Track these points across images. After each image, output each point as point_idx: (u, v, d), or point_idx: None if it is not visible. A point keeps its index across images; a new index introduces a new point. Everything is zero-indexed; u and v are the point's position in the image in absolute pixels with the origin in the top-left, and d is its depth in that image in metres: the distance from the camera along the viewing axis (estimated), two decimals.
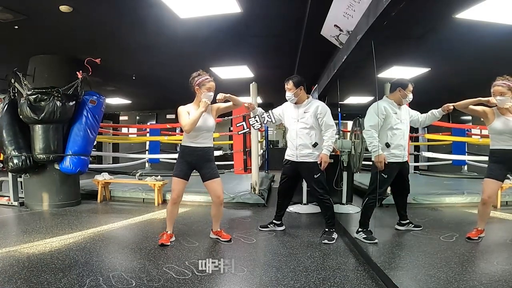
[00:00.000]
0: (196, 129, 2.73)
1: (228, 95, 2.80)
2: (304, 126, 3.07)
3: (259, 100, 7.11)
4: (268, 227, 3.34)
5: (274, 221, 3.36)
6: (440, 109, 3.07)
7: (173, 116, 9.50)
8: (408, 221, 3.28)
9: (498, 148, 2.81)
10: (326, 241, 2.92)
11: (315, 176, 3.03)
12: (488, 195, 2.83)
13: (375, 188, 2.98)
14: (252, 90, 4.79)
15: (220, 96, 2.77)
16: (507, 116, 2.72)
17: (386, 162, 2.94)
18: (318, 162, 3.01)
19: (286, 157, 3.22)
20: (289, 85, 3.07)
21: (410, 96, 3.05)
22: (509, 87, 2.64)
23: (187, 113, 2.74)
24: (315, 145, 3.04)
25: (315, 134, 3.06)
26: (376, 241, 2.85)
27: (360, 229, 2.96)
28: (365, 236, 2.88)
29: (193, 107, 2.79)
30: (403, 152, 3.05)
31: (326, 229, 3.06)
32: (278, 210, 3.37)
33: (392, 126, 3.00)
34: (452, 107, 2.94)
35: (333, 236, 2.98)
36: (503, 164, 2.79)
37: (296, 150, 3.09)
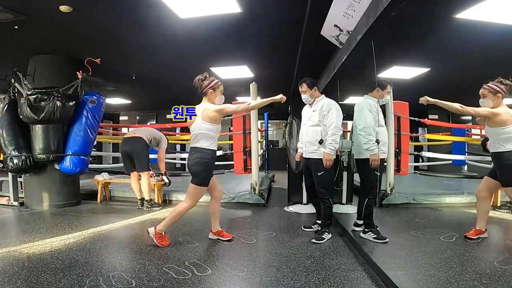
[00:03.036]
0: (216, 132, 2.78)
1: (328, 162, 2.94)
2: (312, 123, 3.15)
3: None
4: (312, 228, 3.33)
5: (317, 221, 3.34)
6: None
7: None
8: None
9: (490, 151, 2.85)
10: (314, 240, 2.96)
11: (319, 174, 3.05)
12: (479, 189, 2.91)
13: (373, 187, 2.99)
14: (252, 90, 4.79)
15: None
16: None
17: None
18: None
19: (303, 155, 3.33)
20: (303, 87, 3.17)
21: (387, 98, 3.11)
22: (490, 89, 2.64)
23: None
24: (321, 142, 3.06)
25: (321, 131, 3.08)
26: (387, 240, 2.86)
27: (367, 230, 2.96)
28: (375, 236, 2.90)
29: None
30: (387, 149, 3.09)
31: (319, 229, 3.10)
32: (316, 209, 3.39)
33: (380, 124, 3.03)
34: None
35: (323, 237, 2.99)
36: (494, 165, 2.85)
37: (305, 147, 3.20)
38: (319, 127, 3.09)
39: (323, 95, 3.23)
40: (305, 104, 3.31)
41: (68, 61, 4.48)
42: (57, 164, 4.27)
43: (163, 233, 2.81)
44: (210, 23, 3.36)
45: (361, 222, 3.11)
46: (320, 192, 3.08)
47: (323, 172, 3.03)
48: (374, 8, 2.15)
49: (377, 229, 2.97)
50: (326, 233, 3.04)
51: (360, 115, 3.03)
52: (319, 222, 3.29)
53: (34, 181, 4.36)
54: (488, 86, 2.67)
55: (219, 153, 6.31)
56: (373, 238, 2.90)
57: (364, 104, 3.03)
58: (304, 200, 4.43)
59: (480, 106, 2.72)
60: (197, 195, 2.75)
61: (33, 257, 2.50)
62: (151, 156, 8.65)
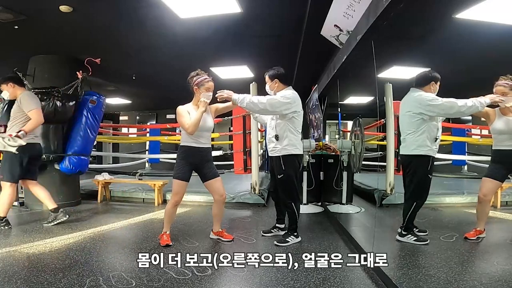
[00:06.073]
0: (197, 129, 2.71)
1: (226, 95, 2.76)
2: (270, 118, 2.98)
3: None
4: (272, 232, 3.16)
5: (277, 225, 3.20)
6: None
7: (173, 116, 9.49)
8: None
9: (498, 148, 2.80)
10: (275, 242, 2.86)
11: (279, 177, 2.87)
12: (484, 193, 2.83)
13: (424, 191, 2.83)
14: (252, 90, 4.79)
15: (219, 94, 2.75)
16: (508, 116, 2.72)
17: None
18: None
19: None
20: (266, 78, 3.04)
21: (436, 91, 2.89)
22: (511, 87, 2.64)
23: (187, 112, 2.73)
24: (276, 137, 2.86)
25: (276, 125, 2.87)
26: (428, 241, 2.80)
27: (405, 232, 2.88)
28: (415, 238, 2.83)
29: (193, 107, 2.78)
30: (437, 147, 2.88)
31: (286, 232, 2.97)
32: (278, 213, 3.23)
33: (439, 119, 2.88)
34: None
35: (287, 239, 2.85)
36: (503, 164, 2.79)
37: (268, 145, 3.03)
38: (273, 120, 2.90)
39: (288, 88, 2.93)
40: None
41: (68, 61, 4.47)
42: (57, 164, 4.26)
43: (167, 232, 2.83)
44: (210, 23, 3.36)
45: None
46: (282, 196, 2.93)
47: (282, 175, 2.83)
48: (374, 8, 2.15)
49: (415, 232, 2.88)
50: (292, 236, 2.88)
51: (420, 101, 2.75)
52: (279, 226, 3.16)
53: None
54: (507, 83, 2.65)
55: (219, 153, 6.34)
56: (414, 240, 2.80)
57: (424, 96, 2.77)
58: (304, 200, 4.43)
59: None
60: (176, 190, 2.76)
61: (33, 257, 2.50)
62: (151, 156, 8.62)
